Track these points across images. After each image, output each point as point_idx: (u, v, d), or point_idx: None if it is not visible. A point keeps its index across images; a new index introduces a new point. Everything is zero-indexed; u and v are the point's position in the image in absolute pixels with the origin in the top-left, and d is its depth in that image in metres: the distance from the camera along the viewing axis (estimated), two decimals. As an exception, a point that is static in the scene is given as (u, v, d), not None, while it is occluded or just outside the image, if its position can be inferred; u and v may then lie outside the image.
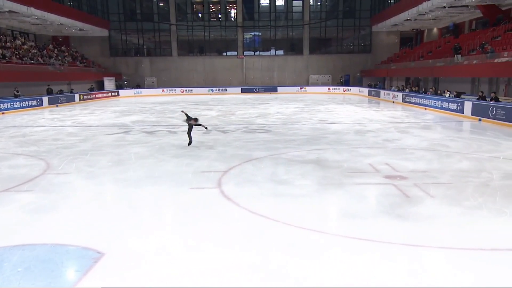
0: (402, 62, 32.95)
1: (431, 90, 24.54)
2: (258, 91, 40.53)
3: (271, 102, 27.77)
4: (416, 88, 27.32)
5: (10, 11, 26.44)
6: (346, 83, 41.62)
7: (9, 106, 21.50)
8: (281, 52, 43.45)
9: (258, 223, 5.10)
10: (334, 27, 42.18)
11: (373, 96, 31.75)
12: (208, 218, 5.31)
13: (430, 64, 27.06)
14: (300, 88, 40.84)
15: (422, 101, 21.83)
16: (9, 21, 30.38)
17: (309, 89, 40.61)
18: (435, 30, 35.41)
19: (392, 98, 27.02)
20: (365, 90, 34.74)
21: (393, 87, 32.07)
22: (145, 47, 43.74)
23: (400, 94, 25.90)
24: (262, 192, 6.36)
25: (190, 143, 10.46)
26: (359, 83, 41.11)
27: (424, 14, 28.69)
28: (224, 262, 4.05)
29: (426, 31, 36.85)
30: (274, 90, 40.81)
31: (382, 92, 30.10)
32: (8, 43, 29.71)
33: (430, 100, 20.84)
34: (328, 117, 17.52)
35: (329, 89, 40.06)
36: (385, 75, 37.01)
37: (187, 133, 10.55)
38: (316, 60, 42.71)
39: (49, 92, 29.00)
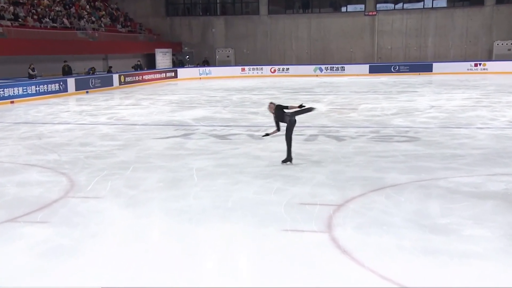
0: None
1: None
2: (398, 71, 39.85)
3: (420, 90, 27.01)
4: None
5: None
6: None
7: (21, 92, 24.03)
8: (442, 2, 42.04)
9: (394, 298, 4.97)
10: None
11: None
12: (311, 281, 5.30)
13: None
14: (476, 65, 39.25)
15: None
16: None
17: (491, 66, 38.88)
18: None
19: None
20: None
21: None
22: (218, 1, 45.74)
23: None
24: (403, 245, 6.19)
25: (290, 159, 10.16)
26: None
27: None
28: None
29: None
30: (427, 68, 39.77)
31: None
32: (22, -4, 33.08)
33: None
34: (527, 117, 16.49)
35: (529, 66, 37.80)
36: None
37: (286, 138, 9.99)
38: (507, 15, 40.49)
39: (66, 71, 31.12)
